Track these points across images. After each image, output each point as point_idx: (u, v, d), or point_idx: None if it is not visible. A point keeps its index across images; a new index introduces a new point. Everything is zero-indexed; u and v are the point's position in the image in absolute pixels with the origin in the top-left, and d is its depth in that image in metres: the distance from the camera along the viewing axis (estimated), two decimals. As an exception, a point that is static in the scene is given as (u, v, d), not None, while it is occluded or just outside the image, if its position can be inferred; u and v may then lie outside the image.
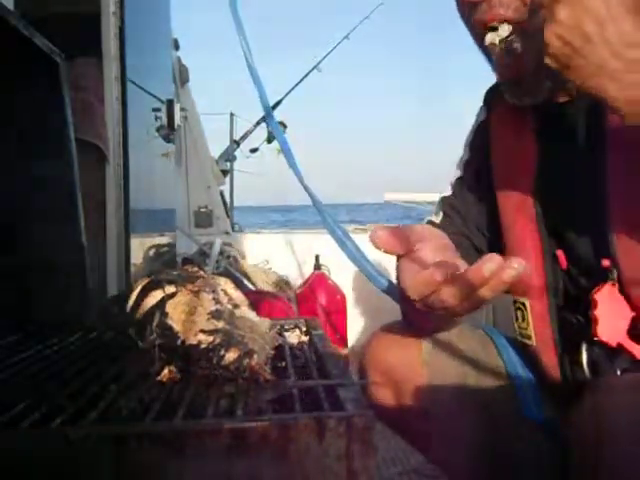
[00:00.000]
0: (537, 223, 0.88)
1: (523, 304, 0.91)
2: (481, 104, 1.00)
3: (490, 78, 0.89)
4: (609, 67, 0.60)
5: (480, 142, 0.99)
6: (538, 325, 0.89)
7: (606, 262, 0.76)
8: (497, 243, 0.94)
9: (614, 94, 0.61)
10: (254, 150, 5.15)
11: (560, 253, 0.87)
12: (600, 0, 0.59)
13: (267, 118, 4.36)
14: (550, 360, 0.89)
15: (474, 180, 0.99)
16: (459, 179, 1.02)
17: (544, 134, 0.88)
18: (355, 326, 3.27)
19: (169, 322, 0.67)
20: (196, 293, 0.71)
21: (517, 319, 0.93)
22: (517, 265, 0.59)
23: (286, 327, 0.90)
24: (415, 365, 0.98)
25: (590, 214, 0.81)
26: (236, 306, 0.76)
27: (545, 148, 0.88)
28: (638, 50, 0.59)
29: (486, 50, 0.81)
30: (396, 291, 0.78)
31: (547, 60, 0.63)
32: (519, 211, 0.90)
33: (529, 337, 0.91)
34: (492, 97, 0.95)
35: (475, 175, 1.00)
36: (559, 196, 0.86)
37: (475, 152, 1.01)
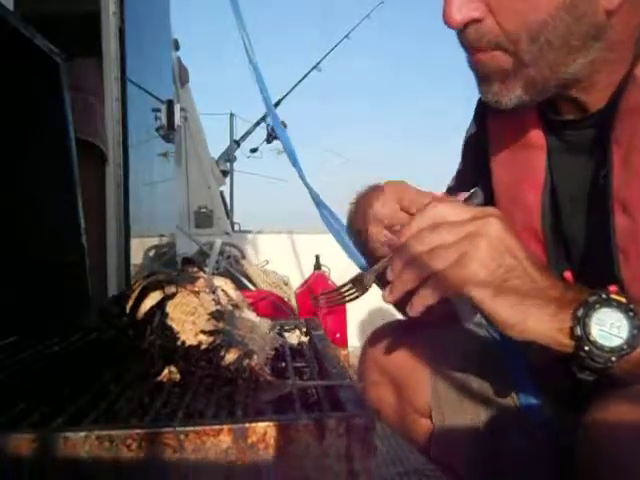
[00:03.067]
0: (544, 243, 0.85)
1: None
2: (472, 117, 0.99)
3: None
4: (532, 285, 0.64)
5: (473, 156, 0.97)
6: None
7: (613, 288, 0.75)
8: None
9: (541, 309, 0.64)
10: (254, 150, 5.16)
11: (568, 275, 0.83)
12: (507, 227, 0.65)
13: (269, 115, 4.36)
14: (551, 366, 0.89)
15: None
16: (449, 189, 1.01)
17: (553, 150, 0.84)
18: (355, 326, 3.27)
19: (169, 322, 0.67)
20: (196, 293, 0.71)
21: None
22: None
23: (286, 327, 0.90)
24: (416, 365, 0.98)
25: (599, 236, 0.77)
26: (236, 306, 0.76)
27: (554, 164, 0.84)
28: (540, 269, 0.65)
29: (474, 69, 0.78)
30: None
31: (472, 292, 0.64)
32: (525, 229, 0.85)
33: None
34: (489, 110, 0.90)
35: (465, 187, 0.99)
36: (567, 215, 0.83)
37: (467, 165, 1.00)
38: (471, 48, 0.75)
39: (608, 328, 0.62)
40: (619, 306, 0.62)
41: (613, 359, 0.62)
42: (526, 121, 0.85)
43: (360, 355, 1.07)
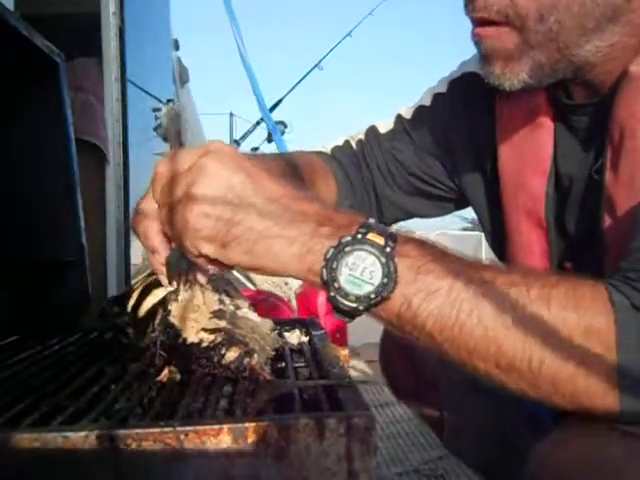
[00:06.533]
0: (547, 230, 0.82)
1: None
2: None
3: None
4: (267, 222, 0.56)
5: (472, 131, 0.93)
6: None
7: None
8: (498, 237, 0.91)
9: (289, 252, 0.56)
10: (255, 149, 5.16)
11: (569, 266, 0.81)
12: (228, 159, 0.57)
13: (264, 118, 4.37)
14: None
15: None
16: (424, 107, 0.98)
17: (560, 137, 0.81)
18: (355, 326, 3.26)
19: (172, 320, 0.67)
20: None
21: None
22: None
23: (286, 327, 0.90)
24: (427, 349, 0.99)
25: (595, 230, 0.74)
26: (237, 306, 0.76)
27: (560, 152, 0.81)
28: (284, 199, 0.56)
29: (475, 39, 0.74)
30: None
31: (205, 249, 0.57)
32: (529, 216, 0.84)
33: None
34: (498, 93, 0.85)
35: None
36: (570, 205, 0.80)
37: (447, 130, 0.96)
38: (477, 19, 0.71)
39: (359, 273, 0.55)
40: (374, 249, 0.55)
41: (360, 308, 0.55)
42: (535, 105, 0.82)
43: (381, 335, 1.08)
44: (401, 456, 1.84)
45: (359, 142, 1.02)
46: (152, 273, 0.76)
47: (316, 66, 4.93)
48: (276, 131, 4.08)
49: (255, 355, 0.63)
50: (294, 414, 0.52)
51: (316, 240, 0.56)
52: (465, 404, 0.99)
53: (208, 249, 0.57)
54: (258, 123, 5.03)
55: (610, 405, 0.54)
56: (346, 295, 0.55)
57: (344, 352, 2.86)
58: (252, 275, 3.18)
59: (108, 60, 1.90)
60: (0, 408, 0.54)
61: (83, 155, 1.12)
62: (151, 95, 2.23)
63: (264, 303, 2.47)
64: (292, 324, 0.92)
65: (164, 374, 0.64)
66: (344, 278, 0.55)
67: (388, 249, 0.55)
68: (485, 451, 0.96)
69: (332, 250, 0.55)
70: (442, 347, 0.57)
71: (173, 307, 0.68)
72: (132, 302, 0.74)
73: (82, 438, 0.46)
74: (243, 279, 3.10)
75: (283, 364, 0.71)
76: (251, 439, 0.47)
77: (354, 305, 0.55)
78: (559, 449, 0.60)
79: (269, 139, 4.90)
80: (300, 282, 3.24)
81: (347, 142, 1.03)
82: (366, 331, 3.18)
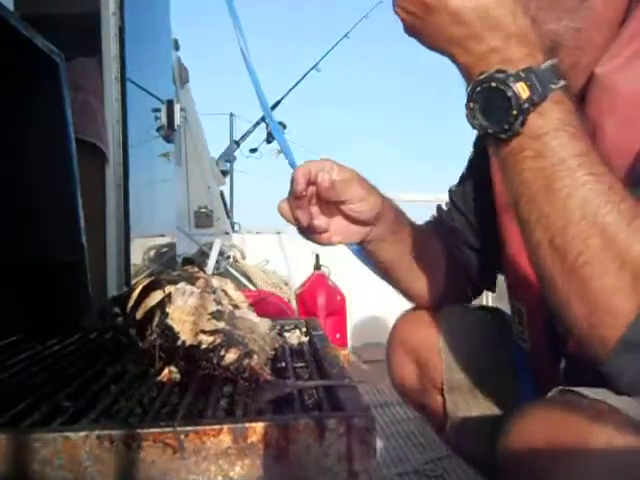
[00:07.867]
0: None
1: (519, 310, 0.91)
2: None
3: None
4: (452, 33, 0.61)
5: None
6: (533, 334, 0.89)
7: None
8: (495, 248, 0.94)
9: (461, 59, 0.62)
10: (253, 150, 5.16)
11: None
12: None
13: (266, 118, 4.37)
14: (544, 366, 0.89)
15: (472, 178, 1.01)
16: (462, 175, 1.05)
17: None
18: (355, 326, 3.27)
19: (169, 322, 0.67)
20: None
21: (514, 321, 0.93)
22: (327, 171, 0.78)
23: (286, 327, 0.90)
24: (433, 349, 1.00)
25: None
26: (236, 307, 0.76)
27: None
28: (476, 14, 0.60)
29: None
30: None
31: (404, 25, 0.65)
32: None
33: (525, 341, 0.91)
34: None
35: (474, 175, 1.01)
36: None
37: (476, 152, 1.02)
38: None
39: (492, 106, 0.60)
40: (514, 97, 0.58)
41: (480, 132, 0.62)
42: None
43: (389, 335, 1.10)
44: (401, 456, 1.84)
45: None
46: (151, 274, 0.76)
47: (313, 67, 4.94)
48: (278, 130, 4.09)
49: (255, 356, 0.63)
50: (294, 414, 0.52)
51: (483, 62, 0.60)
52: (468, 403, 0.99)
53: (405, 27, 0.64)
54: (258, 123, 5.03)
55: (616, 330, 0.56)
56: (473, 117, 0.61)
57: (344, 352, 2.86)
58: (251, 275, 3.18)
59: (108, 60, 1.90)
60: (0, 408, 0.54)
61: (83, 155, 1.12)
62: (151, 94, 2.23)
63: (264, 303, 2.47)
64: (292, 324, 0.92)
65: (164, 374, 0.64)
66: (479, 104, 0.61)
67: (526, 105, 0.58)
68: (486, 449, 0.97)
69: (484, 76, 0.60)
70: (519, 201, 0.61)
71: (171, 309, 0.68)
72: (131, 303, 0.74)
73: (82, 438, 0.46)
74: (243, 279, 3.10)
75: (283, 364, 0.71)
76: (251, 439, 0.48)
77: (476, 125, 0.61)
78: (527, 418, 0.61)
79: (268, 140, 4.91)
80: (300, 282, 3.24)
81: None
82: (367, 332, 3.18)
